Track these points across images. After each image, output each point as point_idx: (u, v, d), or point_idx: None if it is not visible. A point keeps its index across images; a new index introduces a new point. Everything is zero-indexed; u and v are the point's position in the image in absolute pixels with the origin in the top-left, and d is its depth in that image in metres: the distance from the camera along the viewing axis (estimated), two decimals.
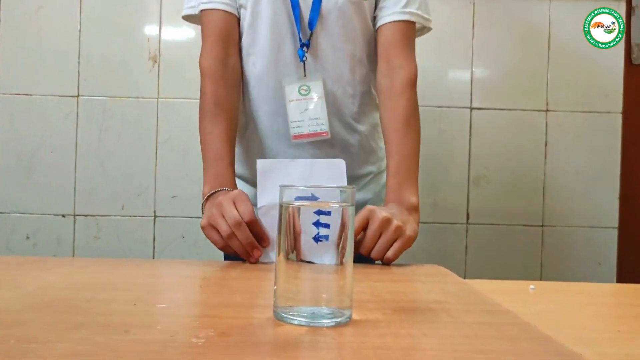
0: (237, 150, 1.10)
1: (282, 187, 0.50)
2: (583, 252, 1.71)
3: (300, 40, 1.02)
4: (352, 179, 1.05)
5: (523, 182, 1.71)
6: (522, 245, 1.71)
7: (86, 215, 1.67)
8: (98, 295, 0.60)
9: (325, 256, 0.49)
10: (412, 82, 1.01)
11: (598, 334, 0.56)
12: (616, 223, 1.72)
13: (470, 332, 0.48)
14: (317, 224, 0.48)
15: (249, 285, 0.71)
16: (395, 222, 0.84)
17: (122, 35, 1.67)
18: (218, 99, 1.00)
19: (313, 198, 0.50)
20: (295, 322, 0.48)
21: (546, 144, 1.71)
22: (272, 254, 0.84)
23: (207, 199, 0.93)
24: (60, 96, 1.66)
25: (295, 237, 0.49)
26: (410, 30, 1.04)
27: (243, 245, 0.82)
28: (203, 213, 0.91)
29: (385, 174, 1.03)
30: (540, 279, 1.70)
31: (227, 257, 0.97)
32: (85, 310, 0.52)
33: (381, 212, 0.84)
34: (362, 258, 0.84)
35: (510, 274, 1.68)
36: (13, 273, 0.71)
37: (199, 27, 1.09)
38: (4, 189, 1.66)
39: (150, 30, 1.68)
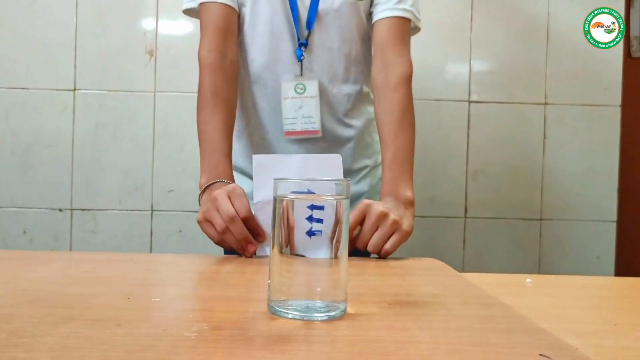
0: (240, 144, 1.11)
1: (277, 180, 0.50)
2: (581, 245, 1.71)
3: (298, 39, 1.03)
4: (348, 173, 1.06)
5: (521, 176, 1.71)
6: (521, 239, 1.71)
7: (83, 210, 1.66)
8: (92, 289, 0.59)
9: (319, 250, 0.49)
10: (407, 78, 1.02)
11: (595, 326, 0.56)
12: (614, 217, 1.72)
13: (465, 324, 0.48)
14: (310, 218, 0.48)
15: (243, 279, 0.71)
16: (392, 217, 0.84)
17: (119, 29, 1.66)
18: (216, 89, 1.00)
19: (308, 193, 0.49)
20: (290, 316, 0.48)
21: (545, 137, 1.71)
22: (268, 249, 0.84)
23: (204, 190, 0.92)
24: (56, 90, 1.65)
25: (289, 230, 0.49)
26: (405, 26, 1.04)
27: (238, 240, 0.82)
28: (200, 205, 0.91)
29: (381, 168, 1.03)
30: (539, 273, 1.70)
31: (227, 252, 0.97)
32: (78, 304, 0.52)
33: (378, 207, 0.84)
34: (358, 252, 0.84)
35: (508, 268, 1.68)
36: (7, 267, 0.70)
37: (196, 21, 1.09)
38: (0, 183, 1.66)
39: (147, 23, 1.67)
